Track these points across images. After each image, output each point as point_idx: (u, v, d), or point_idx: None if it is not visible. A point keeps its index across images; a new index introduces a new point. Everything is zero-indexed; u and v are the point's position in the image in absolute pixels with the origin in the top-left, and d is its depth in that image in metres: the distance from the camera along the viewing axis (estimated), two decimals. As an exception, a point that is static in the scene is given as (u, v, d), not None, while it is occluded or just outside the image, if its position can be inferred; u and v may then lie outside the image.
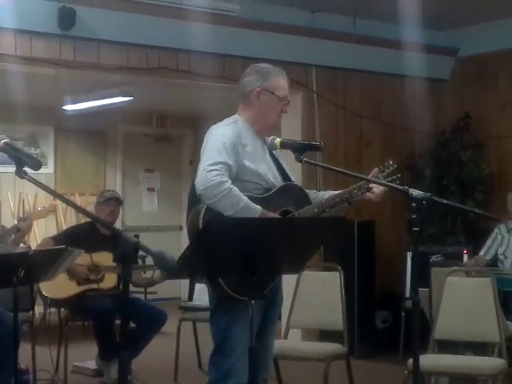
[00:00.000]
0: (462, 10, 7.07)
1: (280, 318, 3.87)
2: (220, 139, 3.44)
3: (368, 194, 3.56)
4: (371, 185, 3.53)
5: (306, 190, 3.70)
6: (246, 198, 3.35)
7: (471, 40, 7.65)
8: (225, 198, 3.29)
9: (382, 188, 3.54)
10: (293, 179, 3.66)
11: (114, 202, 6.03)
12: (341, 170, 3.48)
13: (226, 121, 3.59)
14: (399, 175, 3.68)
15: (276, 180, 3.55)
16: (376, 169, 3.60)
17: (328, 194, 3.64)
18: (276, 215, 3.40)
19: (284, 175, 3.62)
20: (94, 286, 5.86)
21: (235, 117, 3.60)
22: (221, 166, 3.35)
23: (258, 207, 3.35)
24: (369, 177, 3.54)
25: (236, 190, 3.32)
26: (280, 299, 3.67)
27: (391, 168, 3.64)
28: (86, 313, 5.97)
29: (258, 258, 2.87)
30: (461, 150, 7.46)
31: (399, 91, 7.68)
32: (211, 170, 3.33)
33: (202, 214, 3.34)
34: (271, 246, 2.90)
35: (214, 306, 3.53)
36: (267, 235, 2.90)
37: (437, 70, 7.74)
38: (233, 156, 3.41)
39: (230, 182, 3.33)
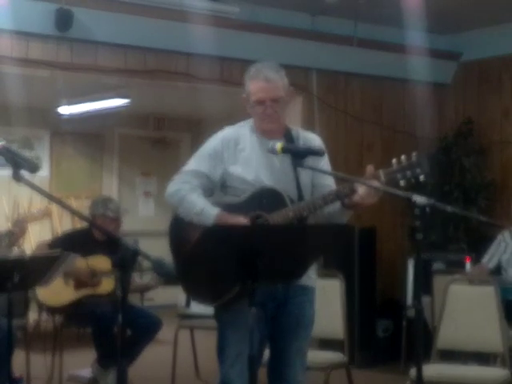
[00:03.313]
0: (465, 14, 7.05)
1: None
2: (204, 146, 3.55)
3: (354, 196, 3.24)
4: (356, 185, 3.23)
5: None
6: (203, 203, 3.38)
7: (474, 44, 7.63)
8: (180, 205, 3.45)
9: (368, 188, 3.19)
10: (305, 190, 3.45)
11: (120, 218, 5.96)
12: (342, 175, 3.32)
13: (238, 124, 3.59)
14: (418, 170, 3.18)
15: (277, 185, 3.41)
16: (370, 166, 3.26)
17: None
18: (240, 217, 3.30)
19: (297, 181, 3.45)
20: (91, 291, 5.80)
21: (250, 119, 3.57)
22: (189, 174, 3.49)
23: (214, 212, 3.32)
24: (365, 177, 3.24)
25: (191, 196, 3.41)
26: (295, 309, 3.49)
27: (402, 163, 3.21)
28: (84, 318, 5.89)
29: (258, 265, 2.82)
30: (463, 156, 7.42)
31: (401, 95, 7.66)
32: (175, 180, 3.52)
33: (170, 220, 3.57)
34: (271, 253, 2.84)
35: (213, 313, 3.55)
36: (266, 242, 2.85)
37: (439, 75, 7.70)
38: (211, 163, 3.47)
39: (189, 188, 3.43)
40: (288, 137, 3.50)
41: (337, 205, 3.33)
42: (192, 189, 3.43)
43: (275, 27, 6.80)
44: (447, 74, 7.85)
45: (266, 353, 3.54)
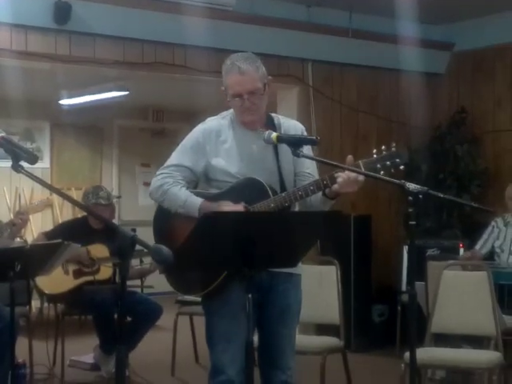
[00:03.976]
0: (459, 5, 7.07)
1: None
2: (185, 140, 3.55)
3: (334, 186, 3.21)
4: (336, 174, 3.18)
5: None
6: (185, 195, 3.39)
7: (467, 34, 7.66)
8: (164, 199, 3.45)
9: (346, 176, 3.15)
10: (288, 179, 3.45)
11: (112, 204, 6.05)
12: (337, 164, 3.21)
13: (220, 114, 3.57)
14: (398, 160, 3.20)
15: (260, 176, 3.39)
16: (350, 157, 3.21)
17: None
18: (231, 204, 3.31)
19: (279, 170, 3.44)
20: (90, 278, 5.86)
21: (230, 110, 3.53)
22: (171, 168, 3.48)
23: (198, 202, 3.35)
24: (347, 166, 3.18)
25: (174, 189, 3.42)
26: (280, 297, 3.47)
27: (381, 154, 3.20)
28: (84, 306, 5.96)
29: (254, 251, 2.84)
30: (457, 145, 7.47)
31: (395, 85, 7.69)
32: (158, 174, 3.51)
33: (154, 214, 3.55)
34: (267, 239, 2.87)
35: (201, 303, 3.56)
36: (263, 229, 2.88)
37: (433, 65, 7.75)
38: (193, 156, 3.47)
39: (172, 182, 3.43)
40: (269, 126, 3.45)
41: (318, 194, 3.31)
42: (175, 182, 3.44)
43: (271, 19, 6.83)
44: (441, 64, 7.88)
45: (255, 338, 3.48)
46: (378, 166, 3.21)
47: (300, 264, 3.48)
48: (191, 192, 3.45)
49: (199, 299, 5.70)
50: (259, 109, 3.44)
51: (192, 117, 10.46)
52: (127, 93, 8.55)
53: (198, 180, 3.52)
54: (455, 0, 6.93)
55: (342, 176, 3.18)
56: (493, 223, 6.43)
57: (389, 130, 7.67)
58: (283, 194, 3.32)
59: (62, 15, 5.88)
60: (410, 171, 7.24)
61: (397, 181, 3.06)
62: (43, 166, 9.67)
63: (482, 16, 7.38)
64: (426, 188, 2.96)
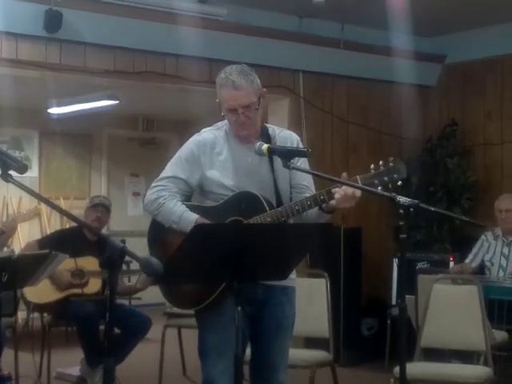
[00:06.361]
0: (450, 17, 7.10)
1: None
2: (180, 151, 3.51)
3: (331, 201, 3.20)
4: (333, 190, 3.18)
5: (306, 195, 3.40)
6: (181, 210, 3.37)
7: (458, 47, 7.68)
8: (159, 213, 3.42)
9: (344, 192, 3.15)
10: (283, 191, 3.44)
11: (101, 209, 6.00)
12: (328, 176, 3.19)
13: (215, 125, 3.55)
14: (395, 175, 3.17)
15: (255, 189, 3.37)
16: (344, 174, 3.18)
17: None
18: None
19: (275, 183, 3.43)
20: (78, 291, 5.81)
21: (225, 121, 3.51)
22: (166, 180, 3.45)
23: (193, 218, 3.32)
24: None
25: (169, 203, 3.39)
26: (276, 310, 3.46)
27: (381, 168, 3.18)
28: (69, 318, 5.93)
29: (245, 264, 2.83)
30: (447, 157, 7.48)
31: (386, 97, 7.70)
32: (153, 187, 3.48)
33: (149, 225, 3.52)
34: (259, 252, 2.85)
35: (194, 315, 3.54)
36: (255, 241, 2.86)
37: (424, 77, 7.76)
38: (188, 168, 3.44)
39: (167, 195, 3.41)
40: (264, 137, 3.42)
41: (314, 208, 3.29)
42: (170, 195, 3.42)
43: (263, 29, 6.83)
44: (432, 77, 7.90)
45: (247, 351, 3.48)
46: (376, 181, 3.18)
47: (294, 277, 3.48)
48: (186, 205, 3.42)
49: (188, 312, 5.70)
50: (254, 123, 3.42)
51: (182, 126, 10.47)
52: (117, 102, 8.52)
53: (192, 192, 3.50)
54: (447, 13, 6.95)
55: (339, 192, 3.17)
56: (483, 237, 6.43)
57: (379, 142, 7.67)
58: (280, 209, 3.30)
59: (52, 23, 5.87)
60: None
61: (388, 194, 3.04)
62: (31, 175, 9.62)
63: (473, 29, 7.40)
64: (416, 201, 2.94)
